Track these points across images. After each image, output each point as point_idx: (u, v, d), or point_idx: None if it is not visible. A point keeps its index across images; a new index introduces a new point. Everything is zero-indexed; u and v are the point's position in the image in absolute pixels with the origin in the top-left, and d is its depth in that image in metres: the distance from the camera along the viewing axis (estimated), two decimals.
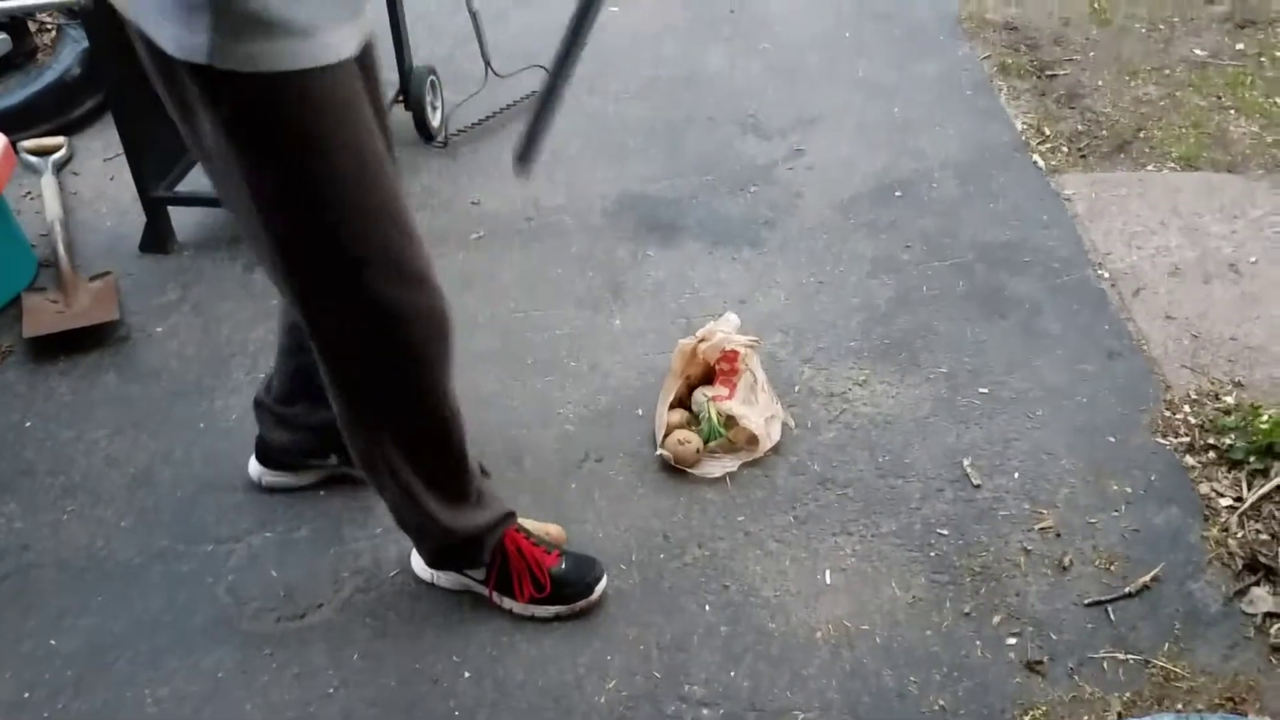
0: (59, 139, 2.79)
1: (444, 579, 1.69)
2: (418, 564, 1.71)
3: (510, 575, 1.64)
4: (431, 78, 2.76)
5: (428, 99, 2.73)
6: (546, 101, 1.30)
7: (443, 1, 3.31)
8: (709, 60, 3.22)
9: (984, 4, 3.42)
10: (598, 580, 1.67)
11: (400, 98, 2.74)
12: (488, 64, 2.81)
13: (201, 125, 1.19)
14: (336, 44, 1.15)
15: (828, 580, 1.71)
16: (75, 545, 1.78)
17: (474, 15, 2.71)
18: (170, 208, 2.46)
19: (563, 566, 1.66)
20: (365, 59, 1.28)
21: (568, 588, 1.65)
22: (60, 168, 2.72)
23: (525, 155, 1.33)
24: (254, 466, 1.85)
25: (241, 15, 1.08)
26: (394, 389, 1.40)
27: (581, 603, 1.66)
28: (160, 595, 1.70)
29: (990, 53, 3.17)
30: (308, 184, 1.21)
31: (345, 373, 1.39)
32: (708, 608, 1.67)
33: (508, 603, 1.66)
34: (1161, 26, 3.25)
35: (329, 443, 1.75)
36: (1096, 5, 3.38)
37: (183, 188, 2.47)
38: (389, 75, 2.71)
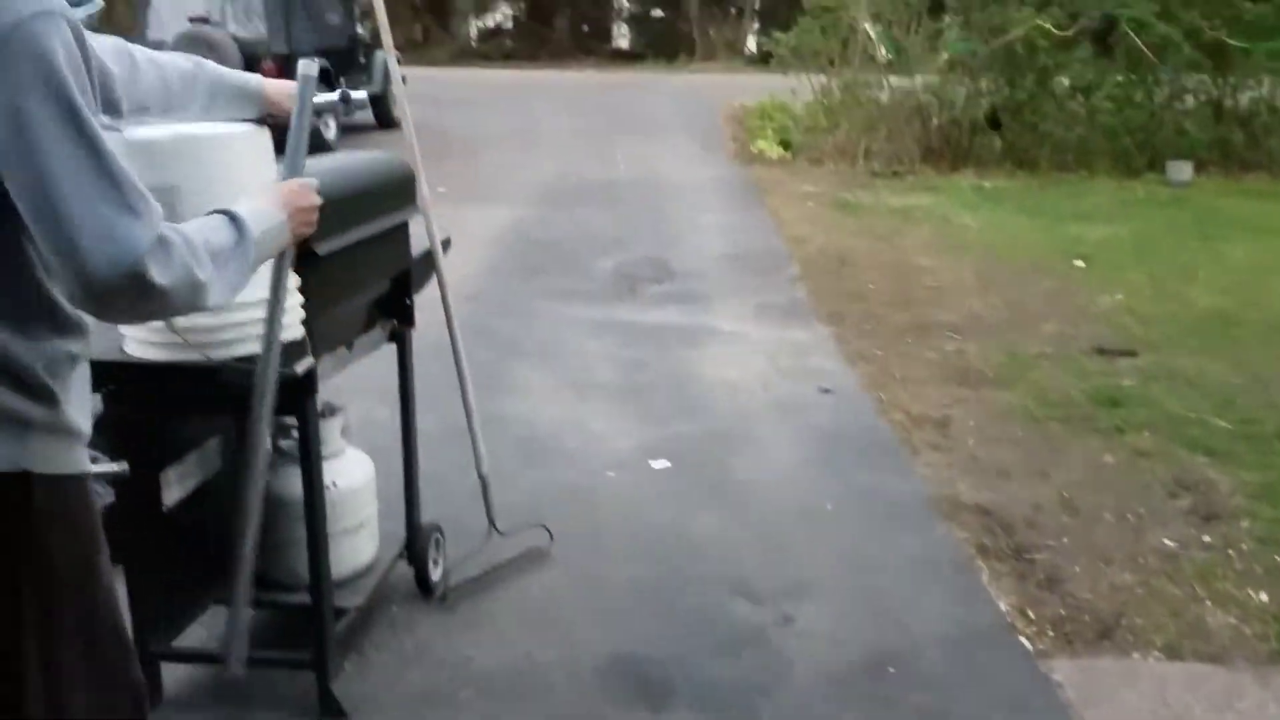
0: None
1: None
2: None
3: None
4: (436, 535, 2.87)
5: (431, 555, 2.82)
6: None
7: (454, 462, 3.51)
8: (699, 524, 3.37)
9: (955, 488, 3.65)
10: None
11: (404, 553, 2.83)
12: (492, 523, 2.94)
13: None
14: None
15: None
16: None
17: (483, 479, 2.89)
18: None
19: None
20: None
21: None
22: None
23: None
24: None
25: (47, 424, 1.30)
26: None
27: None
28: None
29: (968, 534, 3.34)
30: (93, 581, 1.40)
31: None
32: None
33: None
34: (1129, 517, 3.45)
35: None
36: (1064, 494, 3.61)
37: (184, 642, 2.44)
38: (397, 530, 2.82)
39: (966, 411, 4.33)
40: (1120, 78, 10.90)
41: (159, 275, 1.21)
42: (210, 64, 1.75)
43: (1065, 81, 11.06)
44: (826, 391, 4.56)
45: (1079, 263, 6.87)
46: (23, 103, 1.15)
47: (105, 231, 1.18)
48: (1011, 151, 11.04)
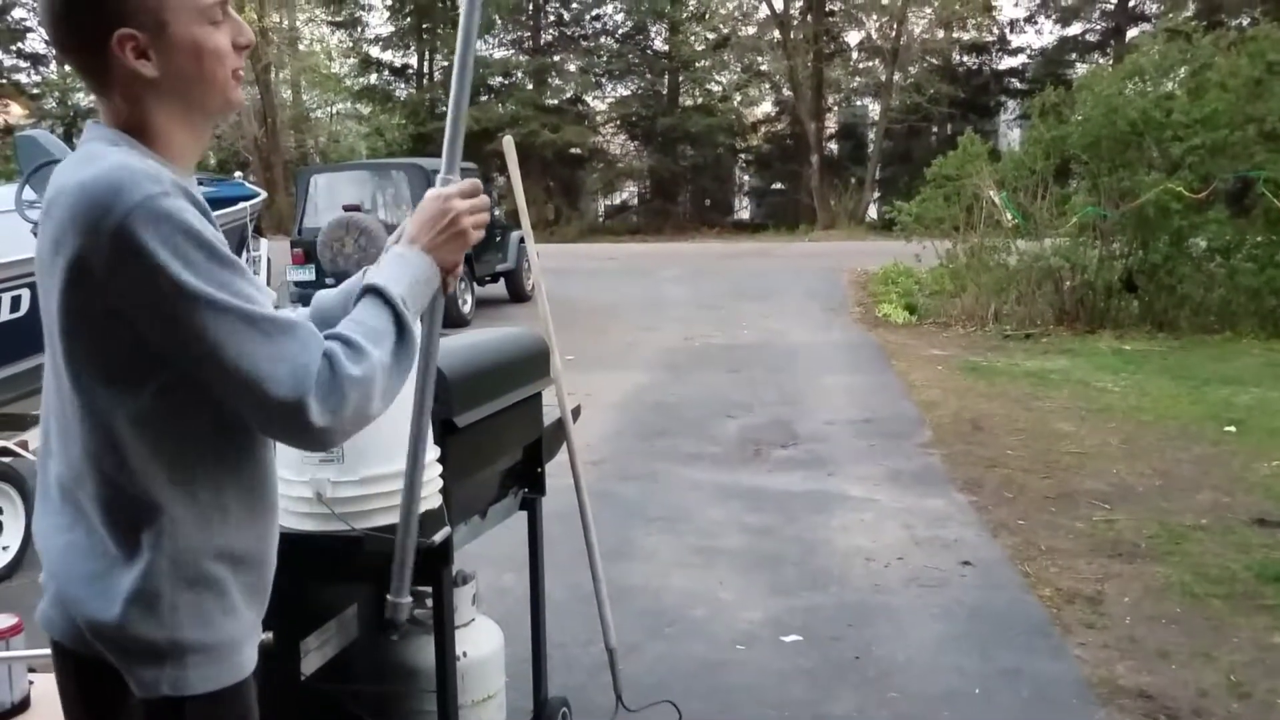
0: None
1: None
2: None
3: None
4: (563, 710, 2.81)
5: None
6: None
7: (579, 631, 3.47)
8: (833, 704, 3.21)
9: (1113, 670, 3.40)
10: None
11: None
12: (619, 699, 2.87)
13: None
14: (252, 655, 1.35)
15: None
16: None
17: (611, 651, 2.84)
18: None
19: None
20: None
21: None
22: None
23: None
24: None
25: (199, 645, 1.27)
26: None
27: None
28: None
29: None
30: None
31: None
32: None
33: None
34: None
35: None
36: (1232, 678, 3.32)
37: None
38: (524, 704, 2.77)
39: (1120, 587, 4.07)
40: (1260, 238, 10.59)
41: (348, 394, 1.22)
42: (319, 301, 1.60)
43: (1202, 243, 10.80)
44: (967, 564, 4.37)
45: (1230, 428, 6.53)
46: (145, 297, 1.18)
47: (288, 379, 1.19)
48: (1150, 313, 10.75)
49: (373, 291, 1.33)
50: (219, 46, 1.29)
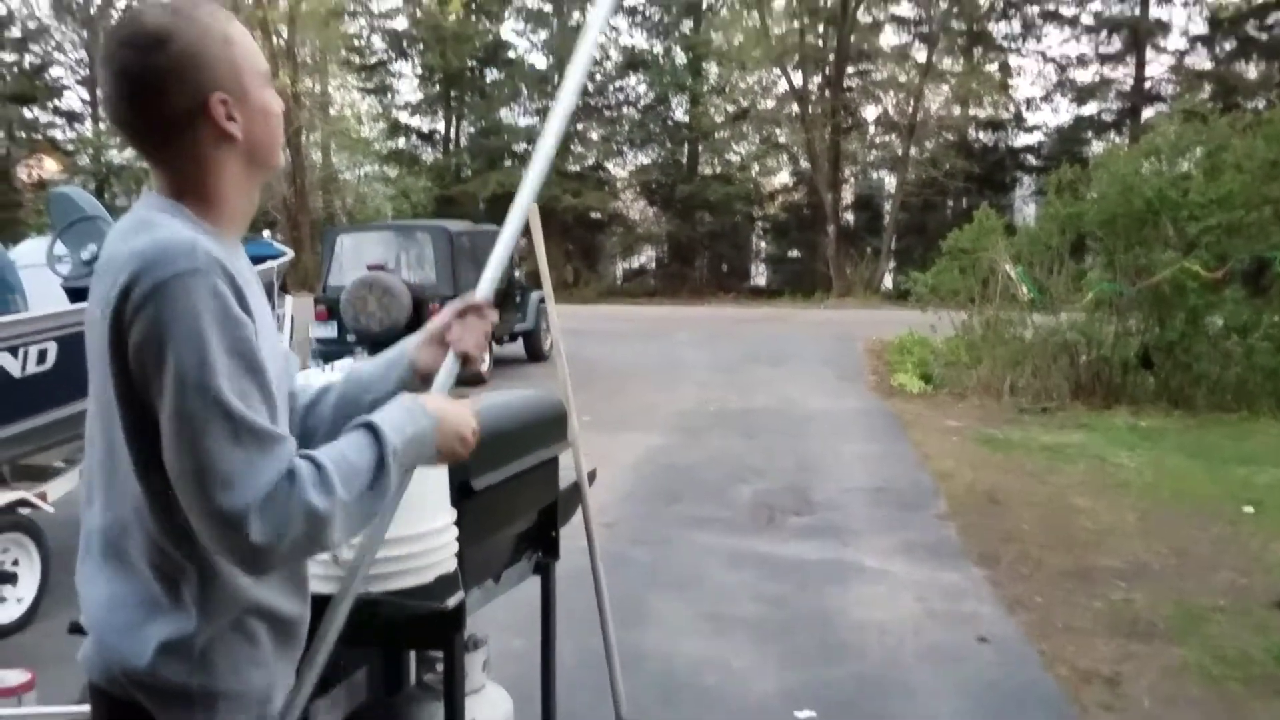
0: None
1: None
2: None
3: None
4: None
5: None
6: None
7: (589, 697, 3.44)
8: None
9: None
10: None
11: None
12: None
13: None
14: (280, 705, 1.40)
15: None
16: None
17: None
18: None
19: None
20: None
21: None
22: None
23: None
24: None
25: (230, 693, 1.31)
26: None
27: None
28: None
29: None
30: None
31: None
32: None
33: None
34: None
35: None
36: None
37: None
38: None
39: (1138, 667, 4.01)
40: (1277, 318, 10.56)
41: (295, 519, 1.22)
42: (356, 369, 1.64)
43: (1219, 321, 10.78)
44: (983, 640, 4.31)
45: (1248, 508, 6.46)
46: (162, 358, 1.21)
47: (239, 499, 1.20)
48: (1166, 390, 10.69)
49: (369, 429, 1.34)
50: (278, 109, 1.40)
